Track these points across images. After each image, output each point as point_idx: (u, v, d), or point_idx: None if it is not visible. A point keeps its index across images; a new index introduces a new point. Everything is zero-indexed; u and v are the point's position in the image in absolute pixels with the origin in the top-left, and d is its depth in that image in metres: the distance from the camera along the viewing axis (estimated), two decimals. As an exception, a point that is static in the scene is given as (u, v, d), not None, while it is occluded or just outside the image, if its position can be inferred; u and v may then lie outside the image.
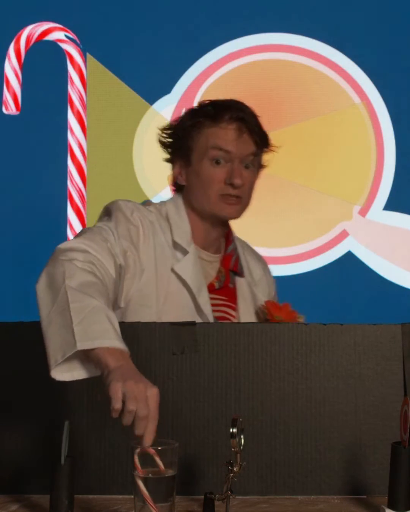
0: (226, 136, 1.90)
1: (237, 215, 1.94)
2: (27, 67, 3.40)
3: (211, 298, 1.92)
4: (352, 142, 3.39)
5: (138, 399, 1.30)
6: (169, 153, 1.99)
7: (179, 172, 1.97)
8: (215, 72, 3.42)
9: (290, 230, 3.38)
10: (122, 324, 1.60)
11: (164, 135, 1.98)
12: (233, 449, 1.37)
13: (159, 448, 1.32)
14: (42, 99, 3.39)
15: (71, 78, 3.40)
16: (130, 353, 1.41)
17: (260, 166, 2.01)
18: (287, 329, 1.60)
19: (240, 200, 1.91)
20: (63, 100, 3.40)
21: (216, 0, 3.40)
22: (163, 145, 1.98)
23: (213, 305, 1.92)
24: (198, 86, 3.41)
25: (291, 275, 3.39)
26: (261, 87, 3.40)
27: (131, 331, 1.59)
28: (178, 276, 1.87)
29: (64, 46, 3.41)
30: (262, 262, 2.19)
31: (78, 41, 3.40)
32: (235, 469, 1.38)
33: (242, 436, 1.37)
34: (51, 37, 3.40)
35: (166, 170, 3.53)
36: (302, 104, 3.39)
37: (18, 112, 3.39)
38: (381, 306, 3.30)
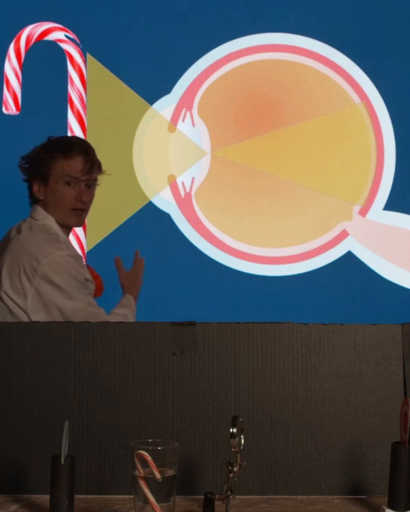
0: (75, 166, 2.48)
1: (82, 223, 2.58)
2: (27, 67, 3.40)
3: None
4: (352, 142, 3.39)
5: None
6: (27, 175, 2.55)
7: (37, 189, 2.51)
8: (215, 72, 3.42)
9: (290, 230, 3.38)
10: (122, 324, 1.61)
11: (23, 162, 2.56)
12: (233, 449, 1.37)
13: (159, 448, 1.32)
14: (42, 99, 3.39)
15: (71, 78, 3.40)
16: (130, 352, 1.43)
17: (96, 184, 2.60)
18: (287, 329, 1.60)
19: (84, 212, 2.52)
20: (63, 100, 3.40)
21: (216, 0, 3.40)
22: (23, 169, 2.57)
23: None
24: (199, 86, 3.42)
25: (291, 275, 3.39)
26: (261, 87, 3.40)
27: (131, 331, 1.59)
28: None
29: (64, 46, 3.41)
30: None
31: (78, 41, 3.40)
32: (235, 469, 1.38)
33: (242, 436, 1.37)
34: (51, 37, 3.40)
35: (166, 170, 3.53)
36: (302, 104, 3.39)
37: (18, 112, 3.39)
38: (381, 306, 3.30)
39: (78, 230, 3.36)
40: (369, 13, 3.37)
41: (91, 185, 2.53)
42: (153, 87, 3.40)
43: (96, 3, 3.41)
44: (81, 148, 2.53)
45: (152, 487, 1.28)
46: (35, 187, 2.51)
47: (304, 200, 3.38)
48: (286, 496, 1.56)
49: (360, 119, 3.39)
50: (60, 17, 3.40)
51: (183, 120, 3.41)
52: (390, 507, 1.38)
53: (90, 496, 1.54)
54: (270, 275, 3.37)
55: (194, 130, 3.41)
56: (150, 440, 1.37)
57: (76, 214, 2.50)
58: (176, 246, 3.36)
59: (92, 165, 2.52)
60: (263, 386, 1.59)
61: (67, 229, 2.54)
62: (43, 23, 3.40)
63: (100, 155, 3.41)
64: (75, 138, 2.76)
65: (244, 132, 3.41)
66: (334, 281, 3.35)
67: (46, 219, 2.47)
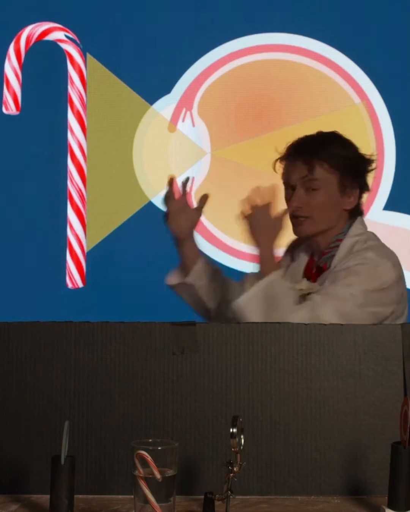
0: (285, 168, 2.21)
1: (301, 233, 2.21)
2: (27, 67, 3.40)
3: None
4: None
5: None
6: None
7: None
8: (215, 72, 3.42)
9: (290, 230, 3.38)
10: (122, 324, 1.61)
11: None
12: (233, 449, 1.37)
13: (159, 448, 1.32)
14: (42, 99, 3.39)
15: (71, 78, 3.40)
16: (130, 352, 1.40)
17: (344, 185, 2.17)
18: (287, 329, 1.60)
19: (305, 219, 2.17)
20: (63, 100, 3.40)
21: (215, 0, 3.40)
22: None
23: None
24: (199, 86, 3.42)
25: (291, 275, 3.38)
26: (261, 87, 3.40)
27: (131, 331, 1.59)
28: None
29: (64, 46, 3.41)
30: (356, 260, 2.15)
31: (78, 41, 3.40)
32: (235, 469, 1.38)
33: (242, 436, 1.37)
34: (51, 37, 3.40)
35: (166, 170, 3.53)
36: (302, 104, 3.39)
37: (18, 112, 3.39)
38: (381, 306, 3.29)
39: (79, 230, 3.36)
40: (369, 13, 3.37)
41: (315, 187, 2.16)
42: (153, 87, 3.40)
43: (96, 3, 3.41)
44: (294, 145, 2.23)
45: (152, 487, 1.28)
46: None
47: (304, 200, 3.38)
48: (286, 496, 1.56)
49: (360, 119, 3.39)
50: (60, 17, 3.40)
51: (183, 120, 3.42)
52: (390, 507, 1.38)
53: (90, 496, 1.54)
54: (270, 275, 3.37)
55: (194, 130, 3.41)
56: (150, 440, 1.37)
57: (293, 222, 2.19)
58: (177, 246, 3.35)
59: (305, 162, 2.16)
60: (263, 386, 1.59)
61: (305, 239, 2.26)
62: (43, 23, 3.40)
63: (100, 155, 3.42)
64: (305, 136, 2.29)
65: (244, 132, 3.41)
66: (334, 281, 3.34)
67: None
